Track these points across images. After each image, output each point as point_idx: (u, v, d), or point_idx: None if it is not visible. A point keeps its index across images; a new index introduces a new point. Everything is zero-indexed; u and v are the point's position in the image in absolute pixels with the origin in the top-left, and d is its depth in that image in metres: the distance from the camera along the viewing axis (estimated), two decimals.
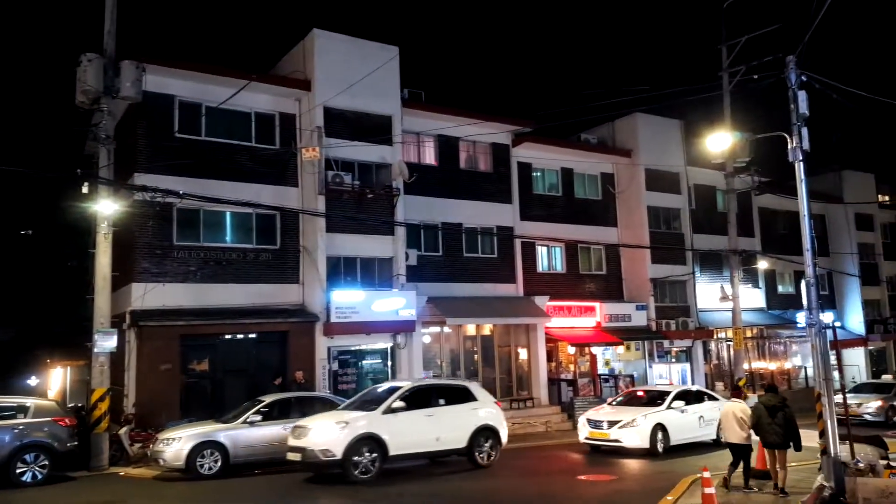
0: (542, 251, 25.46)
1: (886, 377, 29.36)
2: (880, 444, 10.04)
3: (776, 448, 10.05)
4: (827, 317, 32.41)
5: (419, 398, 13.62)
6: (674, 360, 27.37)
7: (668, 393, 16.88)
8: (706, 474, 8.27)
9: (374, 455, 12.46)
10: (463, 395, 14.37)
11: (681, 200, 28.54)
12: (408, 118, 21.35)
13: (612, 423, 15.82)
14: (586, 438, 16.38)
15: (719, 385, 28.63)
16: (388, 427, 12.72)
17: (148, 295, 17.21)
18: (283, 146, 19.69)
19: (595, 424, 16.21)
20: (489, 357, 23.17)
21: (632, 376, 24.66)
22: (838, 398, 9.77)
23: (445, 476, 13.26)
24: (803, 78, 9.78)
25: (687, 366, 26.89)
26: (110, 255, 15.47)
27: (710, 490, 7.94)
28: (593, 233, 26.06)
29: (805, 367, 31.18)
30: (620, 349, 26.31)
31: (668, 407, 16.19)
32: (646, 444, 15.31)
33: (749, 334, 29.19)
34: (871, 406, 23.05)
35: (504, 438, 14.51)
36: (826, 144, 34.17)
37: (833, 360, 9.90)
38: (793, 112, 9.46)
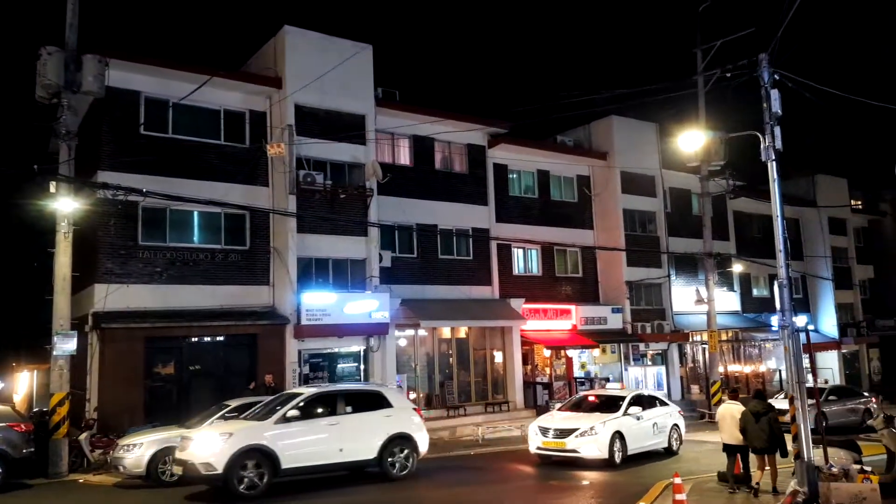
0: (517, 253, 25.27)
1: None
2: (854, 448, 9.93)
3: (762, 452, 10.41)
4: (800, 320, 32.67)
5: (321, 406, 12.50)
6: (650, 362, 27.31)
7: (622, 398, 15.47)
8: (677, 480, 8.06)
9: (262, 469, 11.31)
10: (375, 402, 13.18)
11: (656, 203, 28.55)
12: (381, 117, 21.05)
13: (567, 432, 14.27)
14: (538, 448, 14.67)
15: (695, 388, 28.69)
16: (281, 438, 11.57)
17: (112, 296, 16.70)
18: (254, 144, 19.27)
19: (548, 433, 14.54)
20: (464, 360, 22.91)
21: (607, 379, 24.54)
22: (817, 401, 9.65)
23: (349, 490, 11.98)
24: (776, 76, 9.66)
25: (662, 368, 26.85)
26: (70, 255, 14.95)
27: (682, 496, 7.74)
28: (569, 235, 25.94)
29: (780, 370, 31.31)
30: (596, 352, 26.20)
31: (625, 413, 14.87)
32: (604, 454, 13.97)
33: (724, 337, 29.27)
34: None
35: (423, 448, 13.36)
36: (800, 148, 34.52)
37: (806, 363, 9.76)
38: (765, 111, 9.33)
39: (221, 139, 18.99)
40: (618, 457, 14.18)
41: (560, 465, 14.26)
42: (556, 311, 25.11)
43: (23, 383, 29.21)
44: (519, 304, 23.51)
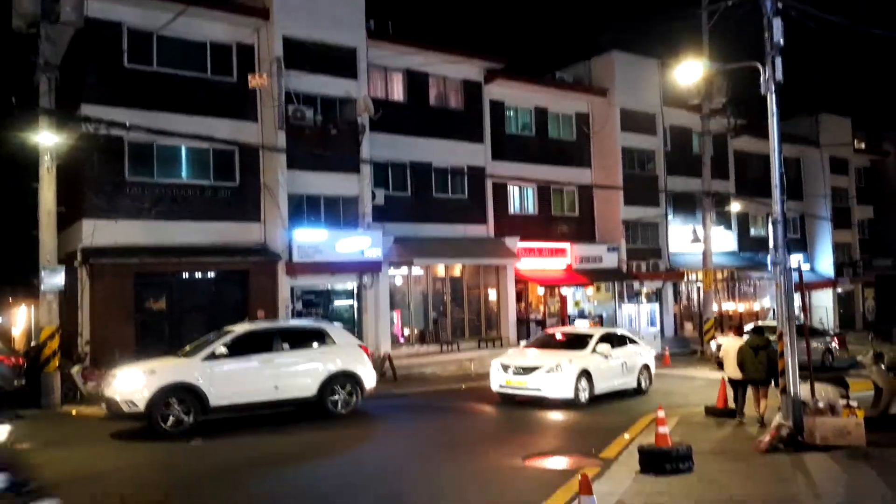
0: (514, 192, 24.96)
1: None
2: (841, 384, 9.93)
3: (759, 384, 10.86)
4: (796, 258, 32.68)
5: (255, 343, 12.01)
6: (644, 301, 27.36)
7: (590, 336, 14.76)
8: (661, 413, 8.06)
9: (188, 407, 10.96)
10: (316, 339, 12.72)
11: (656, 142, 28.07)
12: (374, 51, 20.38)
13: (529, 370, 13.49)
14: (500, 387, 13.90)
15: (688, 325, 28.90)
16: (209, 375, 11.20)
17: (100, 232, 16.49)
18: (242, 79, 18.65)
19: (511, 370, 13.74)
20: (458, 298, 22.91)
21: (601, 317, 24.63)
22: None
23: (287, 427, 11.52)
24: (779, 4, 9.20)
25: (656, 306, 26.89)
26: (54, 190, 14.68)
27: (665, 429, 7.74)
28: (566, 174, 25.53)
29: (773, 309, 31.42)
30: (591, 290, 26.22)
31: (593, 351, 14.11)
32: (569, 393, 13.16)
33: (719, 276, 29.27)
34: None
35: (369, 385, 12.87)
36: (804, 89, 33.75)
37: (799, 300, 9.69)
38: (767, 41, 8.92)
39: (208, 73, 18.42)
40: (583, 396, 13.44)
41: (523, 405, 13.51)
42: (551, 249, 24.98)
43: (21, 318, 29.43)
44: (514, 243, 23.35)
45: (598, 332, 15.31)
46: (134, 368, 11.50)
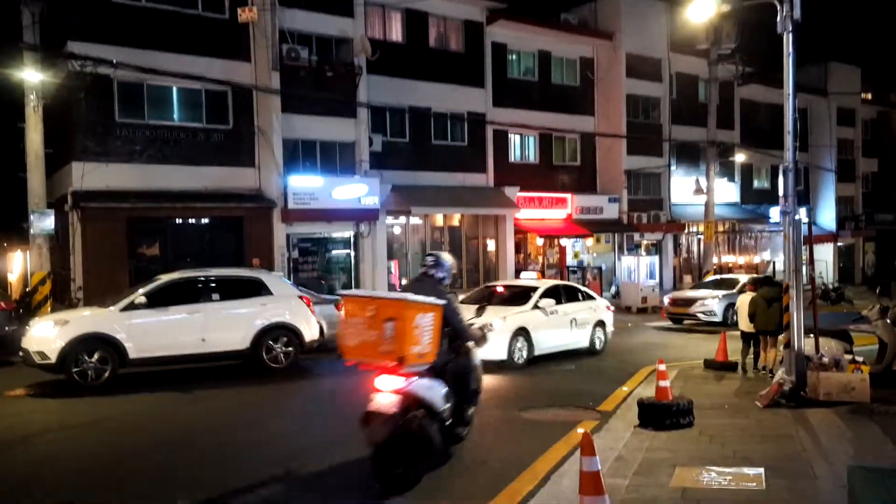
0: (514, 140, 24.42)
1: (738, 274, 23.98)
2: (845, 338, 9.73)
3: (770, 334, 10.78)
4: (801, 212, 32.31)
5: (182, 292, 11.22)
6: (643, 253, 27.11)
7: (534, 289, 13.10)
8: (662, 367, 7.86)
9: (105, 358, 10.33)
10: (251, 289, 11.81)
11: (661, 89, 27.37)
12: None
13: None
14: None
15: (687, 278, 28.72)
16: (128, 326, 10.52)
17: (91, 175, 16.07)
18: (234, 16, 17.85)
19: None
20: (457, 248, 22.63)
21: (600, 268, 24.43)
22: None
23: (214, 381, 10.87)
24: None
25: (656, 259, 26.65)
26: (41, 131, 14.26)
27: (665, 383, 7.56)
28: (569, 121, 24.93)
29: (774, 262, 31.26)
30: (590, 241, 25.96)
31: (535, 307, 12.48)
32: (502, 354, 11.63)
33: (721, 228, 28.99)
34: (707, 304, 18.55)
35: (309, 337, 12.01)
36: (814, 38, 32.79)
37: (805, 253, 9.39)
38: None
39: (199, 9, 17.69)
40: (519, 357, 11.99)
41: None
42: (551, 199, 24.60)
43: (17, 264, 29.14)
44: (514, 193, 22.96)
45: (543, 284, 13.61)
46: (46, 319, 10.98)
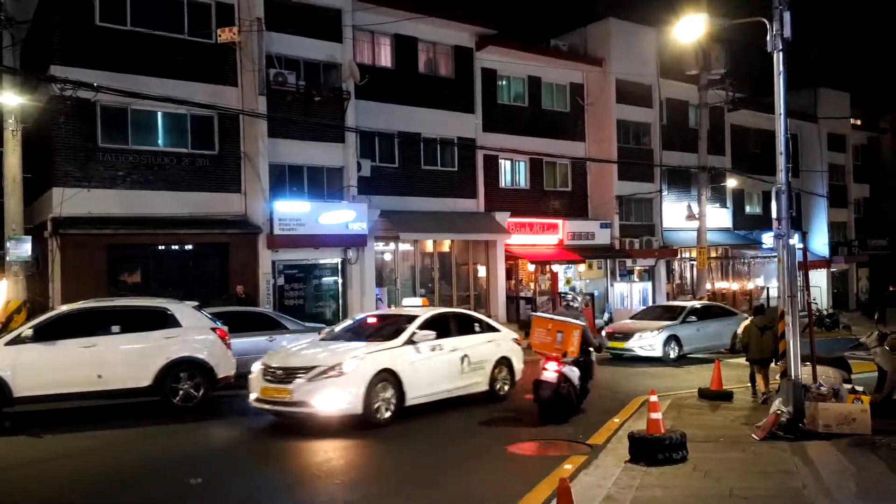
0: (505, 165, 24.25)
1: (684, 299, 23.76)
2: (843, 367, 9.41)
3: (764, 363, 11.00)
4: (794, 236, 32.17)
5: (78, 324, 10.29)
6: (636, 279, 26.87)
7: (412, 319, 10.49)
8: (653, 398, 7.50)
9: None
10: (157, 321, 10.83)
11: (652, 114, 27.35)
12: (360, 13, 19.51)
13: (294, 373, 9.19)
14: (256, 400, 9.58)
15: None
16: (13, 362, 9.67)
17: (72, 201, 15.72)
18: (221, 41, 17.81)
19: (274, 376, 9.41)
20: (447, 274, 22.31)
21: (592, 295, 24.10)
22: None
23: (112, 421, 9.97)
24: None
25: (649, 284, 26.40)
26: (20, 155, 13.94)
27: (657, 415, 7.20)
28: (560, 147, 24.77)
29: (767, 288, 31.02)
30: (582, 267, 25.67)
31: (408, 341, 9.91)
32: (356, 405, 9.01)
33: (713, 254, 28.79)
34: (646, 337, 16.63)
35: (223, 373, 10.95)
36: (804, 63, 33.03)
37: (800, 279, 9.12)
38: None
39: (185, 33, 17.51)
40: (382, 410, 9.31)
41: (290, 428, 9.34)
42: (542, 225, 24.36)
43: (2, 290, 28.56)
44: (504, 218, 22.72)
45: (424, 313, 10.82)
46: None
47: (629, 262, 26.88)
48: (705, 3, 21.42)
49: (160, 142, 17.21)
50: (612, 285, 26.12)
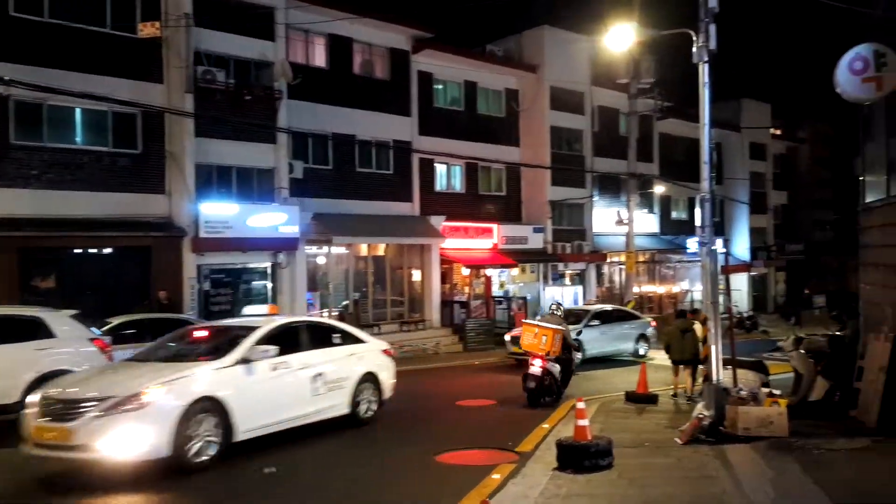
0: (440, 169, 24.23)
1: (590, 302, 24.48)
2: (761, 370, 9.76)
3: (685, 363, 11.79)
4: (717, 243, 33.37)
5: None
6: (568, 282, 27.31)
7: (251, 331, 8.54)
8: (580, 405, 7.54)
9: None
10: (26, 331, 9.95)
11: (584, 122, 27.90)
12: (294, 11, 19.10)
13: (78, 407, 7.07)
14: (36, 445, 7.20)
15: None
16: None
17: None
18: (146, 36, 17.06)
19: (52, 411, 7.21)
20: (381, 278, 22.11)
21: (525, 298, 24.32)
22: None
23: None
24: None
25: (580, 288, 26.86)
26: None
27: (584, 422, 7.25)
28: (495, 151, 24.94)
29: (691, 291, 32.12)
30: (515, 271, 25.91)
31: (242, 360, 8.09)
32: (161, 448, 7.04)
33: (641, 258, 29.56)
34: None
35: None
36: (728, 75, 34.46)
37: (722, 283, 9.39)
38: (701, 6, 8.46)
39: (108, 27, 16.72)
40: (205, 449, 7.39)
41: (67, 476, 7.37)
42: (477, 229, 24.46)
43: None
44: (439, 222, 22.68)
45: (266, 324, 8.85)
46: None
47: (561, 266, 27.32)
48: (636, 14, 22.04)
49: (79, 139, 16.38)
50: (544, 289, 26.46)
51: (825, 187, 47.66)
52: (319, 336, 9.65)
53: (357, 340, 10.22)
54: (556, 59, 26.53)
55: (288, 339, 8.85)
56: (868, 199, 9.76)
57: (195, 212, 16.90)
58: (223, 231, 17.07)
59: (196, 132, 17.13)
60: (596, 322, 18.04)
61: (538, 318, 25.36)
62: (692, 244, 33.50)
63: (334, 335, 9.87)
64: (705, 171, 8.60)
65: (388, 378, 10.36)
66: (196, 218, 16.89)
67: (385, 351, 10.62)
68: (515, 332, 17.06)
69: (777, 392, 8.43)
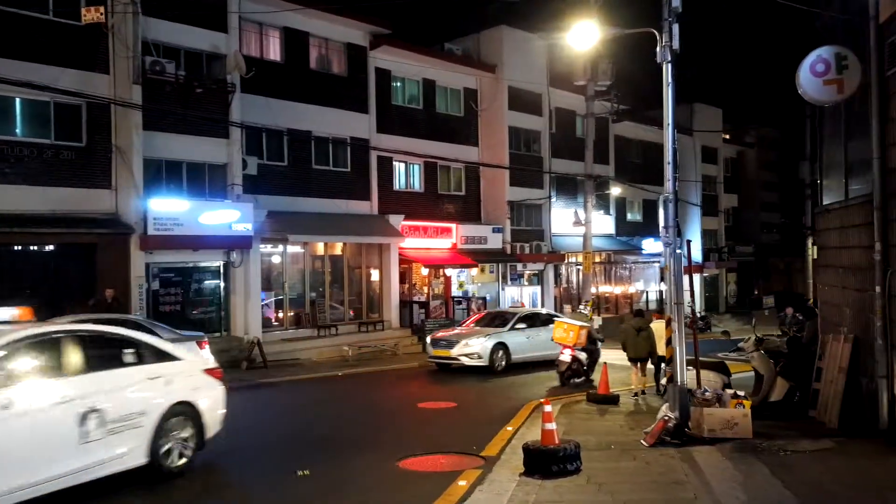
0: (399, 168, 23.90)
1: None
2: (723, 371, 9.78)
3: (640, 361, 12.28)
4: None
5: None
6: (526, 283, 27.31)
7: None
8: (548, 408, 7.35)
9: None
10: None
11: (542, 123, 27.95)
12: (247, 2, 18.52)
13: None
14: None
15: (567, 308, 29.20)
16: None
17: None
18: (91, 23, 16.25)
19: None
20: (339, 278, 21.65)
21: (484, 299, 24.22)
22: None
23: None
24: None
25: (538, 288, 26.89)
26: None
27: (551, 426, 7.06)
28: (454, 151, 24.72)
29: (647, 292, 32.53)
30: (475, 271, 25.77)
31: None
32: None
33: (598, 259, 29.79)
34: (472, 344, 15.76)
35: None
36: (680, 80, 35.11)
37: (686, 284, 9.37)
38: (664, 6, 8.39)
39: (50, 13, 15.90)
40: None
41: None
42: (436, 229, 24.23)
43: None
44: (398, 221, 22.36)
45: (9, 335, 6.16)
46: None
47: (520, 267, 27.30)
48: (595, 16, 22.12)
49: (18, 131, 15.51)
50: (503, 289, 26.39)
51: (772, 190, 48.97)
52: (102, 352, 6.88)
53: (165, 357, 7.46)
54: (515, 59, 26.50)
55: (44, 358, 6.25)
56: (826, 202, 9.86)
57: (143, 208, 16.21)
58: (173, 228, 16.42)
59: (144, 125, 16.44)
60: (522, 325, 17.00)
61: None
62: (647, 245, 34.00)
63: (126, 351, 7.08)
64: (669, 171, 8.53)
65: (212, 408, 7.67)
66: (144, 214, 16.20)
67: (209, 371, 8.00)
68: (440, 333, 16.95)
69: (741, 393, 8.41)
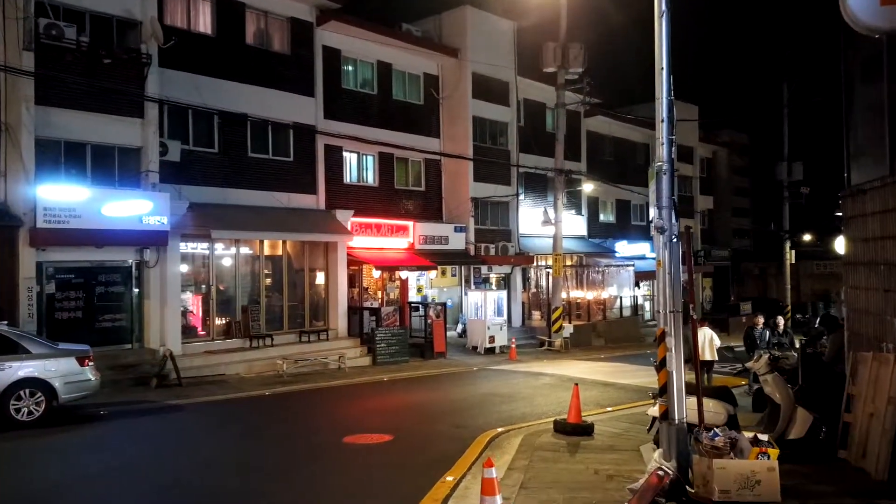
0: (350, 159, 21.53)
1: None
2: (727, 398, 7.53)
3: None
4: (642, 247, 31.89)
5: None
6: (493, 287, 25.09)
7: None
8: (490, 473, 5.08)
9: None
10: None
11: (509, 113, 25.82)
12: None
13: None
14: None
15: (536, 314, 27.10)
16: None
17: None
18: None
19: None
20: (278, 280, 19.16)
21: (444, 304, 21.90)
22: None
23: None
24: None
25: (504, 293, 24.68)
26: None
27: (491, 472, 4.84)
28: (412, 141, 22.41)
29: (620, 297, 30.57)
30: (434, 274, 23.48)
31: None
32: None
33: (569, 262, 27.77)
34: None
35: None
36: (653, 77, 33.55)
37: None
38: None
39: None
40: None
41: None
42: (391, 227, 21.90)
43: None
44: (346, 217, 19.99)
45: None
46: None
47: (485, 269, 25.10)
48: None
49: None
50: (466, 294, 24.13)
51: (744, 196, 47.85)
52: None
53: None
54: (479, 43, 24.34)
55: None
56: (856, 181, 7.77)
57: (34, 196, 13.64)
58: (68, 221, 13.84)
59: (39, 99, 13.86)
60: None
61: (460, 325, 23.47)
62: (620, 247, 32.05)
63: None
64: (663, 131, 6.34)
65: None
66: (34, 204, 13.62)
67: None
68: None
69: (764, 437, 6.20)
